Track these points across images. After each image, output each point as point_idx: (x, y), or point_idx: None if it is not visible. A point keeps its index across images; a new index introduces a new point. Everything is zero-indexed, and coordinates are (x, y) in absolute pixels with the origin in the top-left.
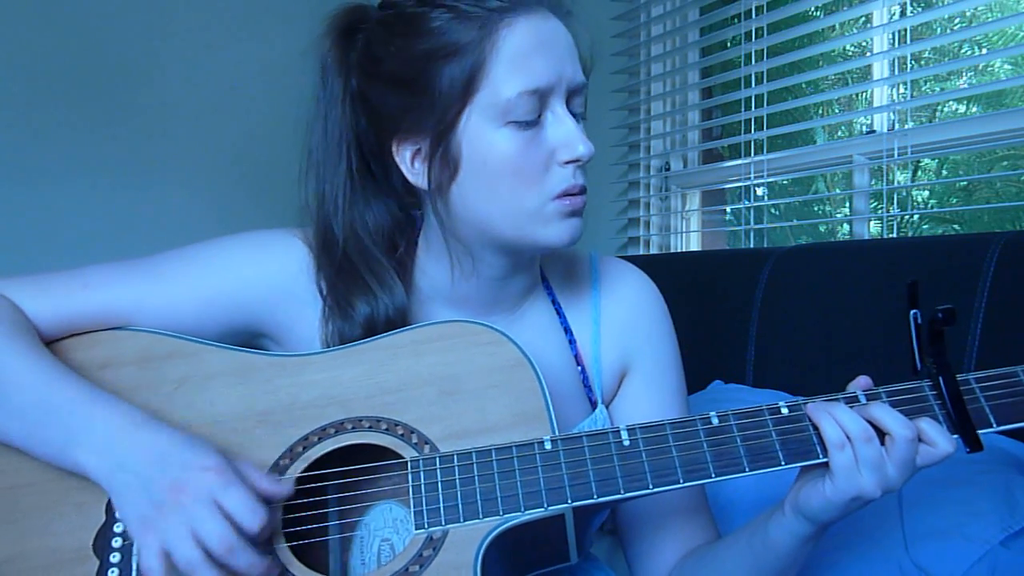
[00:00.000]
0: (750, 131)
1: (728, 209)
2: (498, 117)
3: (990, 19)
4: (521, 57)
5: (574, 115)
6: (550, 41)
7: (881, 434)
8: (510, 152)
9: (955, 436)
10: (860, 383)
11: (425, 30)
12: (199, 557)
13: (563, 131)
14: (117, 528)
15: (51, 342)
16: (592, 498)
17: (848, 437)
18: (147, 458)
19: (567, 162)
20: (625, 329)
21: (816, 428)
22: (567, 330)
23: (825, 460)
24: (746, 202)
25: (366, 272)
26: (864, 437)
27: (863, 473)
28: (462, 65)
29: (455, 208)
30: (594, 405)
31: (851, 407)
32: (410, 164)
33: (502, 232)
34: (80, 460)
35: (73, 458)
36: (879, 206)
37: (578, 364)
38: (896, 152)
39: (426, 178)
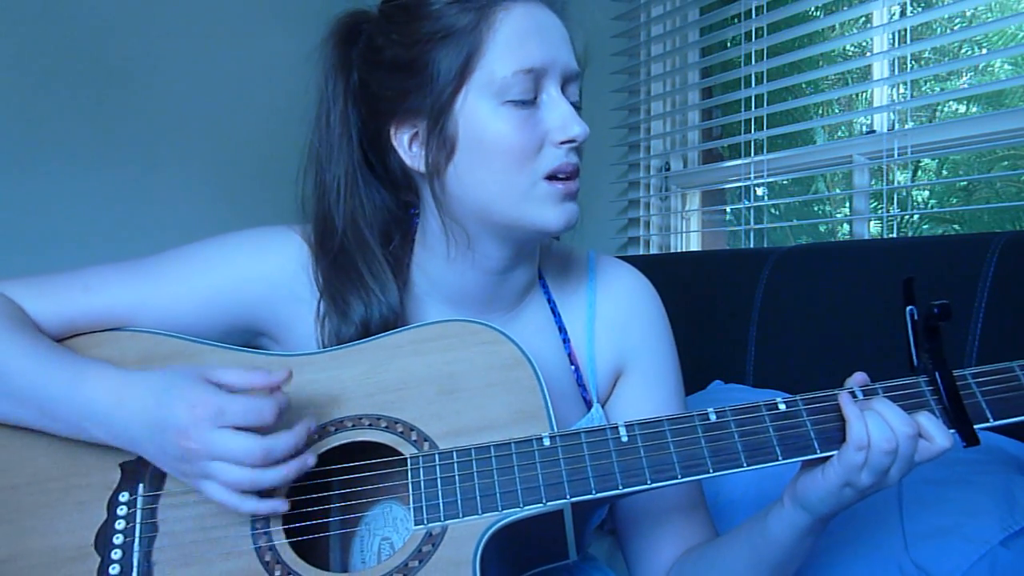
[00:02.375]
0: (750, 131)
1: (728, 209)
2: (494, 96)
3: (990, 19)
4: (517, 39)
5: (570, 102)
6: (545, 27)
7: None
8: (505, 130)
9: (952, 431)
10: (857, 379)
11: (424, 14)
12: (249, 474)
13: (558, 112)
14: (118, 525)
15: None
16: (590, 494)
17: (870, 443)
18: (143, 422)
19: (562, 142)
20: (620, 329)
21: (815, 421)
22: (562, 329)
23: (822, 455)
24: (746, 202)
25: (361, 264)
26: (886, 449)
27: (864, 473)
28: (459, 46)
29: (452, 190)
30: (589, 405)
31: (857, 400)
32: (408, 147)
33: (497, 213)
34: (95, 434)
35: (89, 433)
36: (879, 206)
37: (572, 364)
38: (896, 152)
39: (423, 160)
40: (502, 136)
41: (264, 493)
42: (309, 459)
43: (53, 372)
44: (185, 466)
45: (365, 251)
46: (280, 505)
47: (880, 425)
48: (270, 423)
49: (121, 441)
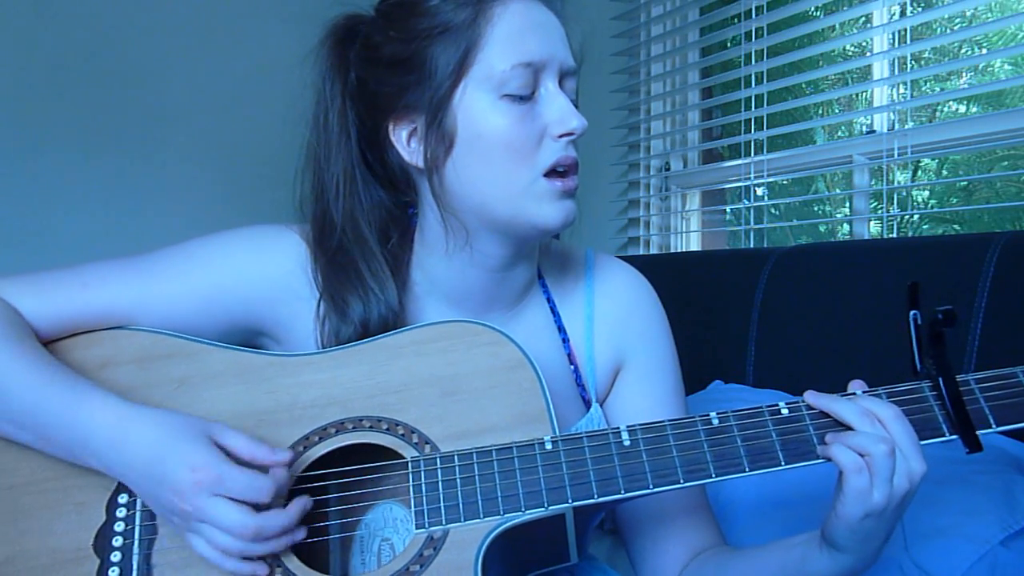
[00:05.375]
0: (750, 131)
1: (728, 209)
2: (493, 91)
3: (990, 19)
4: (515, 34)
5: (567, 98)
6: (542, 23)
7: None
8: (504, 125)
9: (954, 436)
10: (855, 386)
11: (421, 11)
12: (237, 544)
13: (556, 106)
14: (117, 527)
15: (50, 342)
16: (593, 498)
17: (870, 456)
18: (140, 469)
19: (561, 136)
20: (618, 327)
21: (817, 425)
22: (561, 329)
23: (823, 461)
24: (746, 202)
25: (360, 262)
26: (886, 451)
27: (876, 488)
28: (457, 41)
29: (450, 184)
30: (588, 405)
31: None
32: (406, 143)
33: (496, 209)
34: (92, 464)
35: (84, 462)
36: (879, 206)
37: (571, 364)
38: (896, 152)
39: (422, 155)
40: (501, 130)
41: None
42: (299, 534)
43: (52, 395)
44: (176, 519)
45: (364, 249)
46: (260, 570)
47: (865, 439)
48: (265, 503)
49: (116, 476)
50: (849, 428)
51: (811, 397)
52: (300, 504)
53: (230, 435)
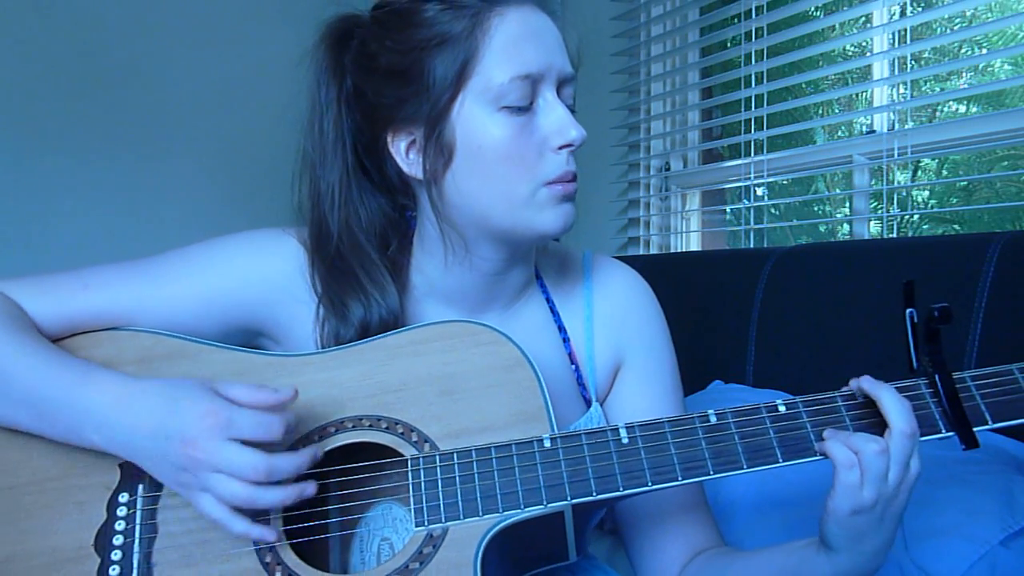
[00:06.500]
0: (750, 131)
1: (728, 209)
2: (491, 103)
3: (990, 19)
4: (513, 45)
5: (566, 105)
6: (540, 32)
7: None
8: (503, 138)
9: (951, 433)
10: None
11: (418, 21)
12: (249, 490)
13: (555, 117)
14: (118, 526)
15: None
16: (591, 495)
17: (859, 458)
18: (148, 430)
19: (560, 147)
20: (617, 326)
21: (815, 423)
22: (561, 328)
23: (821, 458)
24: (746, 202)
25: (359, 269)
26: (877, 449)
27: (866, 485)
28: (455, 53)
29: (449, 196)
30: (588, 403)
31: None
32: (405, 155)
33: (496, 219)
34: (93, 439)
35: (87, 438)
36: (879, 206)
37: (572, 363)
38: (896, 152)
39: (421, 167)
40: (500, 143)
41: (258, 517)
42: (309, 488)
43: (55, 373)
44: (185, 476)
45: (362, 257)
46: (269, 533)
47: (859, 436)
48: (278, 439)
49: (118, 447)
50: (848, 426)
51: (867, 383)
52: (312, 450)
53: (232, 385)
